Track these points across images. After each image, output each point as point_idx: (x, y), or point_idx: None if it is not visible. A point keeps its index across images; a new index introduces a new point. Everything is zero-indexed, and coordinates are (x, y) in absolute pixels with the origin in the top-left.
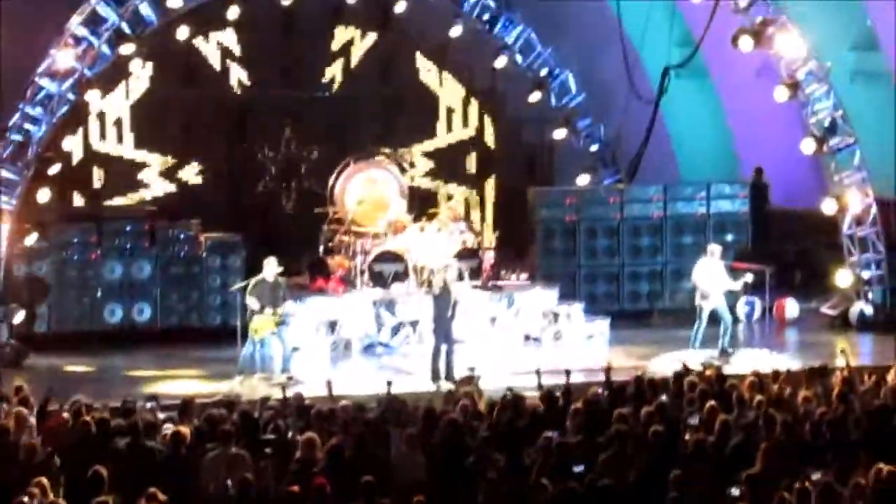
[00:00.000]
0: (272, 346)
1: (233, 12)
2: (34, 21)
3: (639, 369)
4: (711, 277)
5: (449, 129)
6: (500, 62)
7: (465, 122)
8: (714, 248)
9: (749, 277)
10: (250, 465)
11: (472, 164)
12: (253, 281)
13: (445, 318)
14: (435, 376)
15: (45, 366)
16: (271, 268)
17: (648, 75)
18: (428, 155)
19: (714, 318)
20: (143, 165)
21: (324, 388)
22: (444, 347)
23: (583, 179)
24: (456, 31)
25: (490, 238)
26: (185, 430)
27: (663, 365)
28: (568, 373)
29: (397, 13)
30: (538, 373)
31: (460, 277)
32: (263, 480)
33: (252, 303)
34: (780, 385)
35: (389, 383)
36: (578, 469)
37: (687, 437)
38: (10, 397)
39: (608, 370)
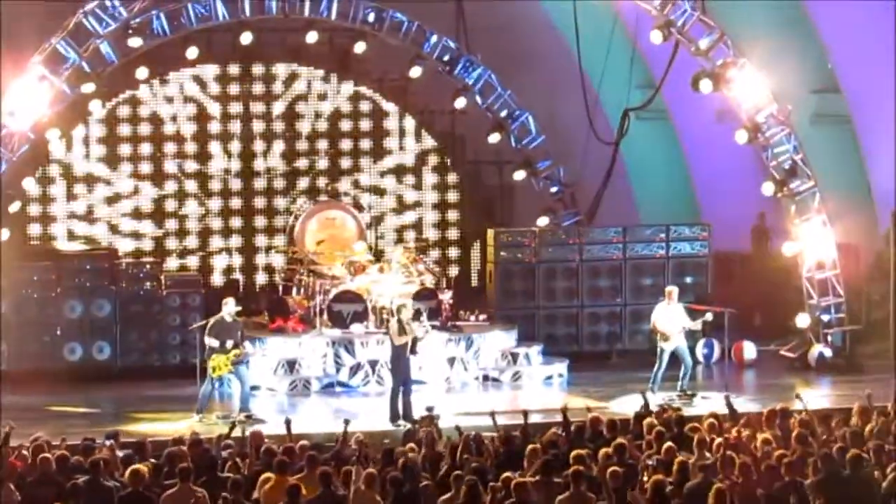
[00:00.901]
0: (231, 385)
1: (192, 52)
2: None
3: (597, 410)
4: (671, 319)
5: (409, 171)
6: (460, 103)
7: (425, 162)
8: (672, 290)
9: (709, 317)
10: (208, 503)
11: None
12: (212, 321)
13: (404, 357)
14: (394, 416)
15: (4, 403)
16: (229, 307)
17: (608, 117)
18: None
19: (673, 360)
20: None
21: (283, 427)
22: (401, 388)
23: (542, 221)
24: (416, 72)
25: (447, 279)
26: (144, 467)
27: (623, 406)
28: (525, 414)
29: (357, 53)
30: (492, 414)
31: (417, 316)
32: None
33: (211, 341)
34: (739, 427)
35: (347, 422)
36: None
37: (645, 477)
38: None
39: (565, 411)
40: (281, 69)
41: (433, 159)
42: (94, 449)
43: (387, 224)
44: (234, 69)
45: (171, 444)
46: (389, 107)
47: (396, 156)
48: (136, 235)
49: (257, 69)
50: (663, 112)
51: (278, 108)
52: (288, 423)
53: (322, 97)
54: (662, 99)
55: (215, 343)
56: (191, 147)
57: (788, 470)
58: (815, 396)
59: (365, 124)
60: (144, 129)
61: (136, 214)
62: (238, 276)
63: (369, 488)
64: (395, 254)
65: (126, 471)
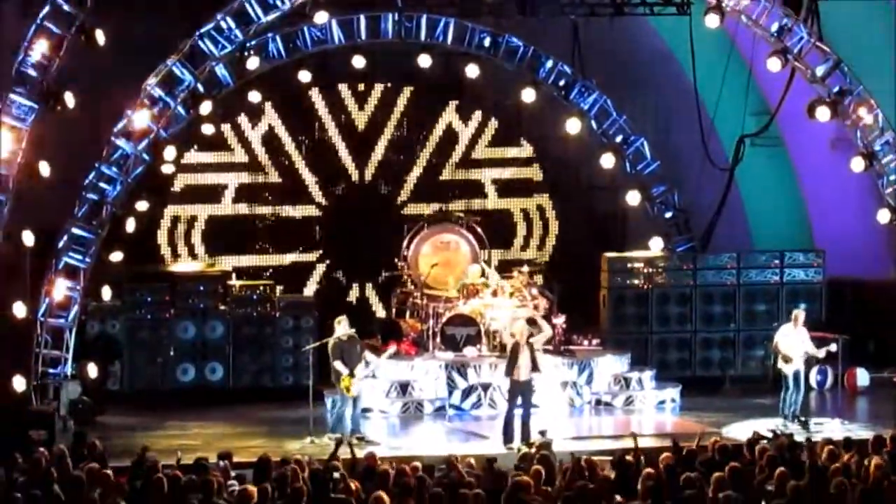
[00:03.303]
0: (344, 407)
1: (304, 76)
2: (112, 81)
3: (710, 436)
4: (795, 344)
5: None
6: (573, 127)
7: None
8: (799, 314)
9: (834, 347)
10: None
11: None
12: (330, 342)
13: (522, 378)
14: (508, 439)
15: (117, 424)
16: (343, 326)
17: (723, 143)
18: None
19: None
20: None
21: (396, 451)
22: (518, 411)
23: (656, 243)
24: (529, 96)
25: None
26: (252, 488)
27: (734, 432)
28: (635, 437)
29: (469, 77)
30: (634, 437)
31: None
32: None
33: (339, 367)
34: (852, 454)
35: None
36: None
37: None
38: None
39: (676, 436)
40: (393, 92)
41: (547, 183)
42: (206, 469)
43: (499, 248)
44: (345, 91)
45: (282, 464)
46: (502, 130)
47: (509, 178)
48: (249, 257)
49: (369, 92)
50: (778, 139)
51: (389, 130)
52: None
53: (434, 120)
54: (777, 126)
55: (344, 370)
56: (302, 168)
57: None
58: None
59: (479, 148)
60: (256, 150)
61: (250, 236)
62: (351, 298)
63: None
64: (513, 278)
65: (234, 491)
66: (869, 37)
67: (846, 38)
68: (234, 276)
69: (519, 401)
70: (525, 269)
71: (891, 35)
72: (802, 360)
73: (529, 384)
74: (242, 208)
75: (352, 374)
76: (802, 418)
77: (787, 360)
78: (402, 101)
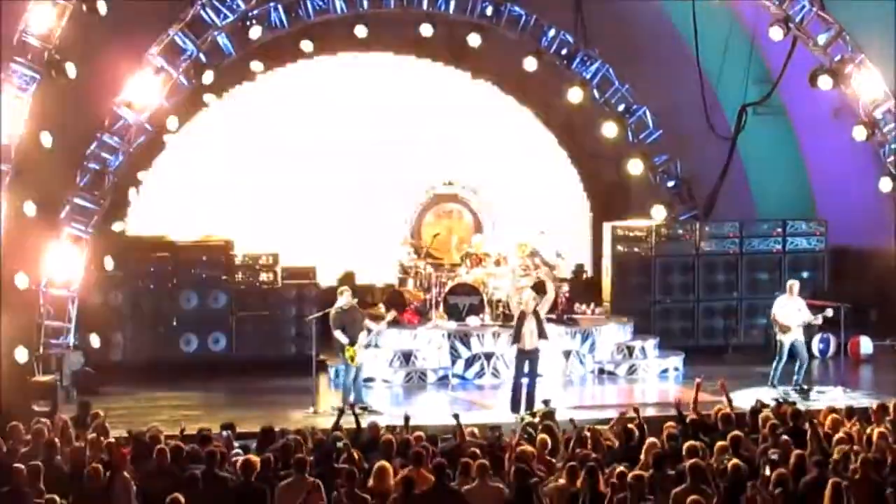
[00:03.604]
0: (347, 377)
1: (307, 46)
2: (113, 51)
3: (713, 405)
4: (791, 313)
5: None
6: (575, 95)
7: (541, 155)
8: (794, 284)
9: (829, 312)
10: (322, 493)
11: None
12: (332, 312)
13: (528, 348)
14: (515, 407)
15: (119, 393)
16: (345, 298)
17: (725, 112)
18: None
19: (791, 354)
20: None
21: (400, 419)
22: (524, 380)
23: (658, 211)
24: (530, 65)
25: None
26: (255, 458)
27: (738, 401)
28: (637, 409)
29: (472, 46)
30: (636, 409)
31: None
32: None
33: (340, 336)
34: (855, 422)
35: (457, 416)
36: None
37: (767, 471)
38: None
39: (679, 404)
40: (395, 61)
41: (550, 152)
42: (210, 440)
43: (503, 217)
44: (348, 61)
45: (286, 434)
46: (506, 100)
47: (513, 149)
48: (252, 227)
49: (372, 61)
50: (780, 108)
51: (393, 100)
52: (407, 419)
53: (438, 89)
54: (779, 95)
55: (344, 339)
56: (306, 139)
57: None
58: None
59: (481, 117)
60: (258, 121)
61: (252, 206)
62: (353, 267)
63: (484, 480)
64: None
65: (238, 461)
66: (868, 4)
67: (847, 6)
68: (236, 247)
69: (525, 369)
70: (528, 237)
71: (889, 2)
72: (800, 329)
73: (535, 353)
74: (246, 179)
75: (352, 344)
76: (805, 387)
77: (784, 329)
78: (404, 71)
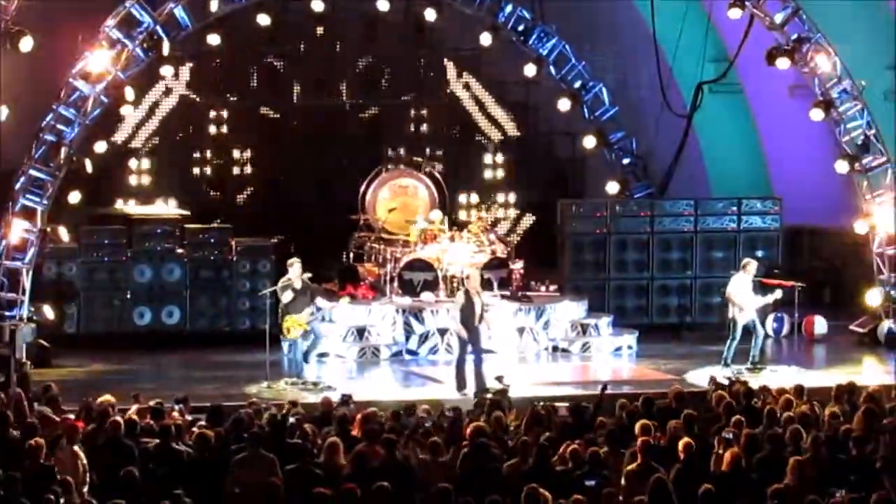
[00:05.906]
0: (299, 352)
1: (263, 20)
2: (69, 22)
3: (668, 383)
4: (746, 292)
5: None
6: (530, 71)
7: (497, 131)
8: (749, 262)
9: (779, 293)
10: (277, 468)
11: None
12: (280, 282)
13: (471, 326)
14: (460, 385)
15: (73, 366)
16: (295, 269)
17: (681, 90)
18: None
19: (745, 333)
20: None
21: (351, 394)
22: (471, 357)
23: (612, 187)
24: (486, 40)
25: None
26: (210, 432)
27: (692, 379)
28: (604, 387)
29: (429, 21)
30: (604, 386)
31: (489, 286)
32: (289, 484)
33: (286, 296)
34: (808, 401)
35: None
36: (590, 483)
37: (721, 450)
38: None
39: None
40: (354, 36)
41: (505, 129)
42: (163, 413)
43: (458, 193)
44: (306, 36)
45: (239, 409)
46: (462, 76)
47: (468, 124)
48: (206, 200)
49: (330, 35)
50: (737, 86)
51: (350, 74)
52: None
53: (395, 64)
54: (736, 73)
55: (289, 296)
56: (262, 112)
57: (856, 445)
58: (883, 372)
59: (438, 93)
60: (214, 93)
61: (207, 180)
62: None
63: (436, 457)
64: (471, 223)
65: (194, 435)
66: None
67: None
68: (190, 218)
69: (469, 348)
70: (483, 214)
71: None
72: (754, 308)
73: (477, 331)
74: (198, 151)
75: (288, 313)
76: (760, 366)
77: (739, 308)
78: (359, 45)
